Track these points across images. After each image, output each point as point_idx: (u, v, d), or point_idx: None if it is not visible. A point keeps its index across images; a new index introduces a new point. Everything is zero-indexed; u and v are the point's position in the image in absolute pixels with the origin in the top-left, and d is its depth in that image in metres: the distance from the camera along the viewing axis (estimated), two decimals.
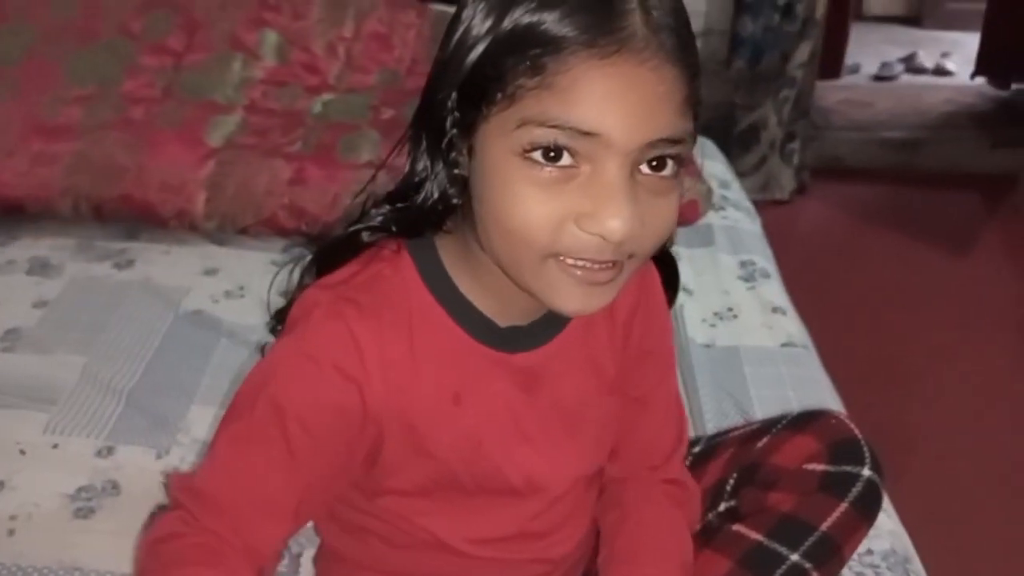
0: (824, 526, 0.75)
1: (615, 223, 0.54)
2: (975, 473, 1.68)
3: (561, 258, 0.57)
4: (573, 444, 0.73)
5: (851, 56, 3.44)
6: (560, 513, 0.75)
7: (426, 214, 0.62)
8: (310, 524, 0.96)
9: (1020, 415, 1.84)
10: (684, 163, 0.59)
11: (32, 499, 0.97)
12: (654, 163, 0.57)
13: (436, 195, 0.61)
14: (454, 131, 0.59)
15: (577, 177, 0.55)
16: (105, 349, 1.20)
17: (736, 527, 0.77)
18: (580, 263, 0.57)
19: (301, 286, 0.69)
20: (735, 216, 1.63)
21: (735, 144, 2.53)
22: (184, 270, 1.41)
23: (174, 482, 0.66)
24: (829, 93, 3.20)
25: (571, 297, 0.59)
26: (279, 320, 0.71)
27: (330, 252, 0.68)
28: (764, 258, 1.52)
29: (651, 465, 0.80)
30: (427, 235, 0.65)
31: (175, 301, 1.32)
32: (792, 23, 2.45)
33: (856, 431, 0.79)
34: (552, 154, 0.55)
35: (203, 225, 1.47)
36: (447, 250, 0.66)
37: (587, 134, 0.54)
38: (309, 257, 0.69)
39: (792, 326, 1.33)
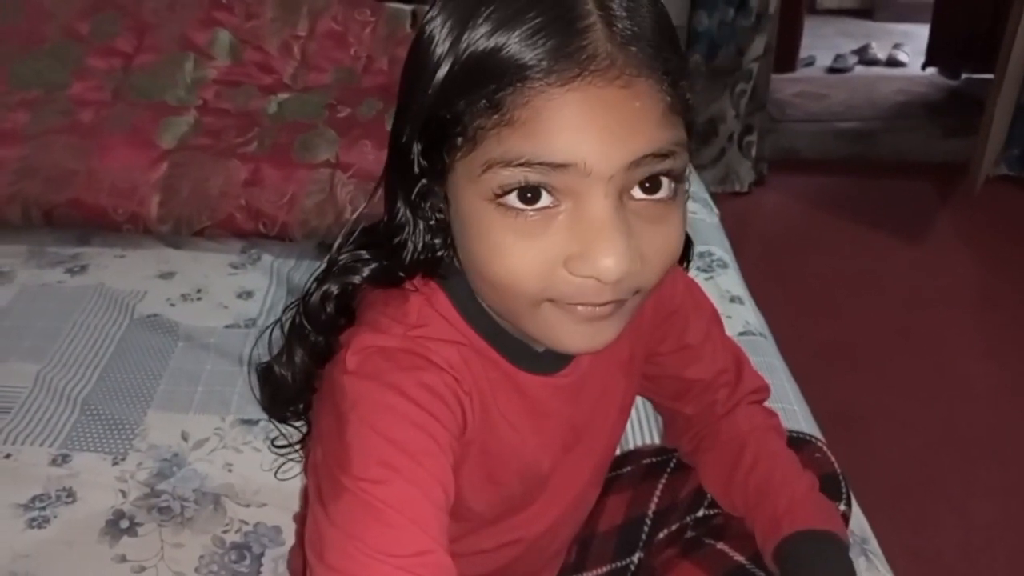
0: None
1: (608, 262, 0.49)
2: (931, 451, 1.72)
3: (556, 301, 0.52)
4: (603, 433, 0.73)
5: (805, 49, 3.50)
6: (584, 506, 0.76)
7: (413, 266, 0.57)
8: (272, 525, 0.96)
9: (973, 394, 1.88)
10: (682, 179, 0.53)
11: None
12: (647, 185, 0.51)
13: (420, 247, 0.57)
14: (424, 180, 0.54)
15: (559, 216, 0.50)
16: (59, 356, 1.18)
17: (720, 546, 0.76)
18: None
19: (303, 342, 0.61)
20: (693, 208, 1.64)
21: (694, 138, 2.54)
22: (139, 274, 1.39)
23: None
24: (785, 86, 3.24)
25: (574, 337, 0.54)
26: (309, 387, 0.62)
27: (320, 309, 0.59)
28: (722, 249, 1.53)
29: (727, 390, 0.78)
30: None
31: (130, 305, 1.30)
32: (746, 18, 2.48)
33: (836, 466, 0.79)
34: (529, 195, 0.49)
35: (157, 228, 1.45)
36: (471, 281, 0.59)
37: (560, 166, 0.48)
38: (292, 315, 0.61)
39: (750, 315, 1.35)
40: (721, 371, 0.78)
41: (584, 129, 0.48)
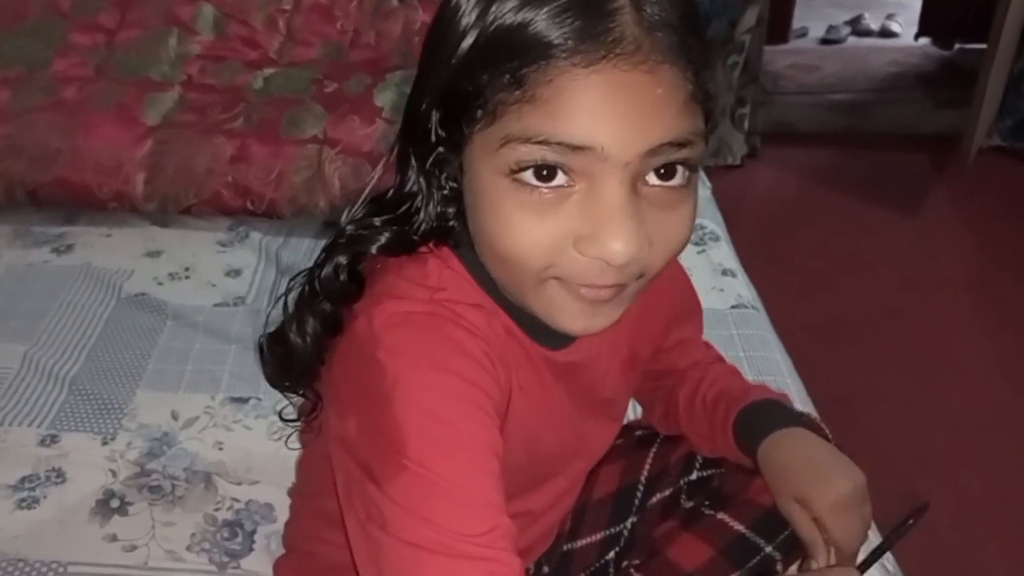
0: None
1: (617, 245, 0.49)
2: (925, 426, 1.72)
3: (561, 279, 0.53)
4: (601, 426, 0.74)
5: (798, 20, 3.46)
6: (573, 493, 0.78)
7: (425, 235, 0.58)
8: (264, 502, 0.96)
9: (968, 369, 1.89)
10: (697, 167, 0.53)
11: None
12: (662, 171, 0.51)
13: (432, 217, 0.57)
14: (440, 149, 0.55)
15: (573, 196, 0.50)
16: (46, 336, 1.17)
17: (720, 516, 0.78)
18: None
19: (314, 311, 0.60)
20: None
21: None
22: (126, 253, 1.38)
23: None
24: (777, 58, 3.22)
25: (574, 317, 0.54)
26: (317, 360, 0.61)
27: (333, 278, 0.59)
28: (714, 222, 1.52)
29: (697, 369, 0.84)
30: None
31: (117, 285, 1.29)
32: None
33: (829, 436, 0.79)
34: (545, 173, 0.50)
35: (144, 206, 1.44)
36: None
37: (578, 148, 0.48)
38: (302, 285, 0.61)
39: (742, 288, 1.34)
40: (699, 359, 0.84)
41: (605, 113, 0.48)
